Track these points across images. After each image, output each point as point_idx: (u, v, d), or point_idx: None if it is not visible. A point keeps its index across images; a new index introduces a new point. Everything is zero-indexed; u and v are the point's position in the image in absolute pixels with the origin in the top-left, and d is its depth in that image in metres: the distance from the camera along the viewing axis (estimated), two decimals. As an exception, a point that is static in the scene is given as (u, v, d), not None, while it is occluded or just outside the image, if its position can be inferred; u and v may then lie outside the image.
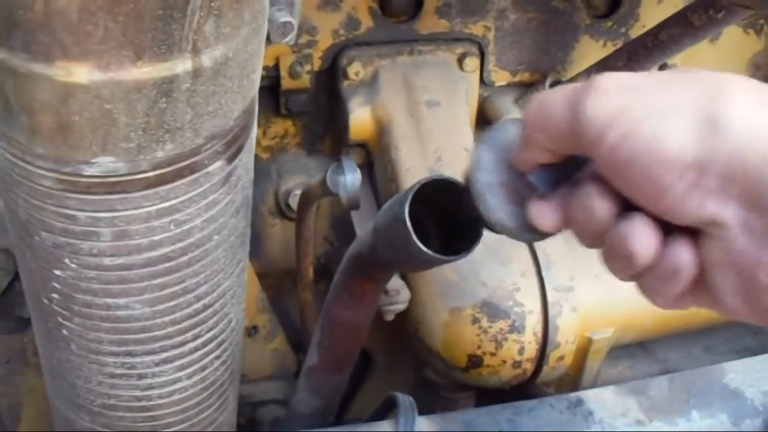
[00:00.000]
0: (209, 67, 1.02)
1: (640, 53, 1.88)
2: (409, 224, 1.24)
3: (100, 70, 0.97)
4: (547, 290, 1.77)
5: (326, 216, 2.24)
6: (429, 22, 2.06)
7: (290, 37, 1.30)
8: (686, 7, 1.77)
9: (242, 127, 1.17)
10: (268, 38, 1.29)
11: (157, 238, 1.17)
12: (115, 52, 0.95)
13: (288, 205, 2.15)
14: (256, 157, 2.22)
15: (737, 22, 1.73)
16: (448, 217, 1.38)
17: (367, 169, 2.14)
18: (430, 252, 1.25)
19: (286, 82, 2.02)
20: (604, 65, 1.98)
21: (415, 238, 1.23)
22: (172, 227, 1.17)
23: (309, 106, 2.12)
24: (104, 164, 1.06)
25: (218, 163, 1.15)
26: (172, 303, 1.27)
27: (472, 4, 2.07)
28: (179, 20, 0.96)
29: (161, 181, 1.10)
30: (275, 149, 2.19)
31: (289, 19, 1.28)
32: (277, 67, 2.00)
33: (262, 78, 2.05)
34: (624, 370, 2.10)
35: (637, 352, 2.13)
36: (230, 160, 1.18)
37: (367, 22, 2.02)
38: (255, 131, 1.27)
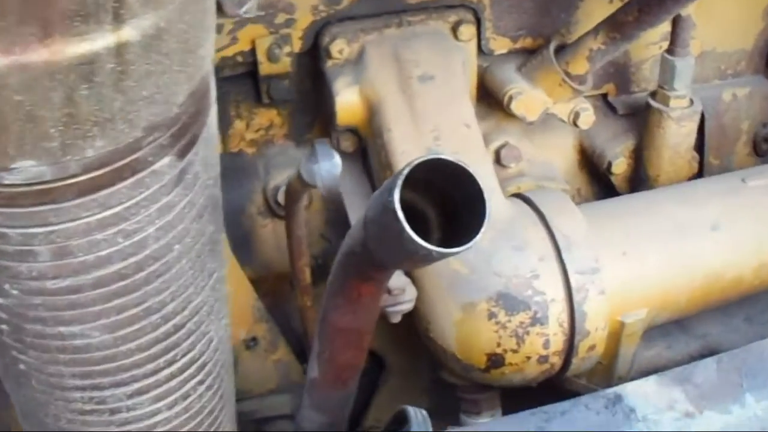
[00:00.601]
0: (137, 42, 0.84)
1: (652, 4, 1.69)
2: (400, 214, 1.05)
3: (1, 54, 0.79)
4: (570, 274, 1.59)
5: (320, 211, 2.06)
6: None
7: (248, 7, 1.12)
8: None
9: (192, 114, 0.99)
10: (220, 10, 1.10)
11: (103, 253, 1.00)
12: (15, 29, 0.77)
13: (278, 203, 1.97)
14: (241, 152, 2.07)
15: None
16: (449, 202, 1.21)
17: (361, 155, 1.96)
18: (427, 245, 1.07)
19: (265, 67, 1.83)
20: (614, 22, 1.79)
21: (408, 229, 1.04)
22: (120, 240, 1.00)
23: (293, 93, 1.94)
24: (25, 169, 0.88)
25: (166, 160, 0.97)
26: (135, 327, 1.11)
27: (464, -35, 1.88)
28: (93, -17, 0.78)
29: (97, 185, 0.93)
30: (261, 142, 2.01)
31: (244, -16, 1.09)
32: (253, 51, 1.82)
33: (239, 65, 1.89)
34: (661, 351, 1.94)
35: (673, 330, 1.96)
36: (182, 154, 0.99)
37: None
38: (214, 118, 1.09)
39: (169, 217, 1.02)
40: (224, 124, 1.94)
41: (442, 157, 1.13)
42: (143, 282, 1.06)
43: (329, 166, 1.33)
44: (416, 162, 1.10)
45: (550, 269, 1.60)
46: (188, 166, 1.01)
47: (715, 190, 1.82)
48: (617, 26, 1.77)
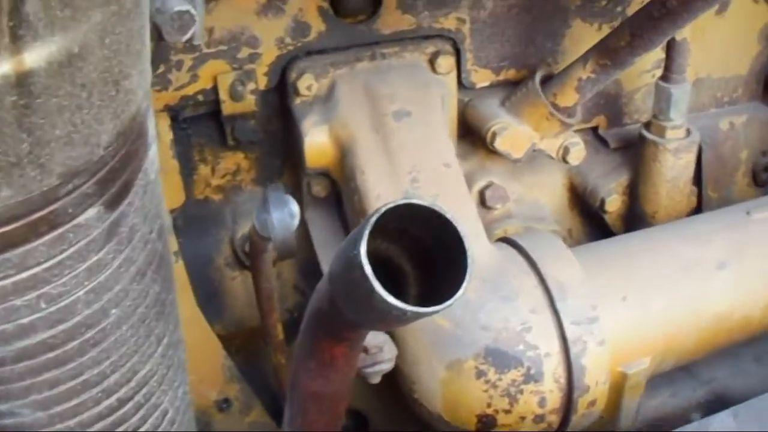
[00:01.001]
0: (44, 70, 0.70)
1: (646, 27, 1.56)
2: (368, 270, 0.91)
3: None
4: (565, 325, 1.44)
5: (293, 261, 1.91)
6: (391, 20, 1.74)
7: (192, 34, 0.98)
8: None
9: (123, 158, 0.84)
10: (161, 36, 0.96)
11: (25, 321, 0.86)
12: None
13: (247, 253, 1.82)
14: (207, 199, 1.92)
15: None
16: (426, 252, 1.07)
17: (334, 201, 1.81)
18: (401, 304, 0.93)
19: (228, 106, 1.69)
20: (604, 48, 1.67)
21: (378, 287, 0.90)
22: (43, 305, 0.87)
23: (259, 134, 1.80)
24: None
25: (92, 211, 0.83)
26: (73, 403, 0.97)
27: (440, -8, 1.75)
28: (-18, 0, 0.64)
29: (9, 242, 0.79)
30: (228, 188, 1.86)
31: (186, 7, 0.96)
32: (215, 89, 1.68)
33: (200, 104, 1.73)
34: (666, 399, 1.83)
35: (678, 376, 1.84)
36: (111, 205, 0.85)
37: (317, 26, 1.70)
38: (154, 162, 0.94)
39: (101, 278, 0.88)
40: (188, 169, 1.80)
41: (414, 201, 0.99)
42: (77, 352, 0.92)
43: (282, 215, 1.18)
44: (385, 208, 0.96)
45: (543, 321, 1.45)
46: (121, 218, 0.87)
47: (719, 226, 1.68)
48: (608, 53, 1.64)
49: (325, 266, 1.70)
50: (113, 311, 0.93)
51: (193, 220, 1.83)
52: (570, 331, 1.43)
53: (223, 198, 1.87)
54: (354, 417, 2.03)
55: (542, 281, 1.47)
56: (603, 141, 2.03)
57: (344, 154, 1.66)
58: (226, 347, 1.83)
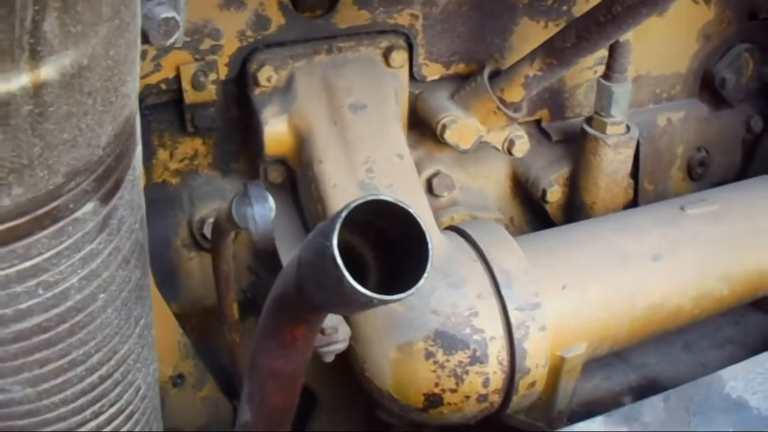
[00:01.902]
0: (57, 81, 0.76)
1: (592, 30, 1.65)
2: (339, 261, 0.99)
3: None
4: (509, 311, 1.54)
5: (247, 243, 1.98)
6: (348, 15, 1.81)
7: (176, 38, 1.04)
8: None
9: (117, 157, 0.91)
10: (146, 40, 1.03)
11: (23, 306, 0.92)
12: None
13: (204, 236, 1.89)
14: (165, 183, 1.97)
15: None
16: (386, 242, 1.15)
17: (290, 188, 1.89)
18: (369, 293, 1.02)
19: (190, 95, 1.75)
20: (551, 48, 1.76)
21: (348, 277, 0.99)
22: (40, 291, 0.93)
23: (218, 121, 1.86)
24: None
25: (89, 206, 0.89)
26: (60, 380, 1.03)
27: (395, -10, 1.82)
28: (6, 17, 0.69)
29: (15, 235, 0.85)
30: (185, 173, 1.92)
31: (171, 14, 1.02)
32: (178, 78, 1.73)
33: (163, 92, 1.79)
34: (600, 382, 1.92)
35: (612, 361, 1.94)
36: (106, 199, 0.91)
37: (277, 20, 1.76)
38: (139, 158, 1.01)
39: (93, 266, 0.94)
40: (147, 153, 1.85)
41: (383, 197, 1.07)
42: (66, 334, 0.98)
43: (263, 210, 1.25)
44: (355, 204, 1.04)
45: (489, 306, 1.55)
46: (113, 211, 0.93)
47: (655, 220, 1.79)
48: (554, 52, 1.73)
49: (282, 249, 1.77)
50: (101, 296, 0.99)
51: (152, 203, 1.86)
52: (514, 317, 1.53)
53: (180, 181, 1.92)
54: (304, 393, 2.10)
55: (489, 269, 1.57)
56: (545, 134, 2.13)
57: (302, 143, 1.73)
58: (181, 325, 1.89)
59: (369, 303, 1.05)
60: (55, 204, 0.84)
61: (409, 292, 1.06)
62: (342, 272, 1.00)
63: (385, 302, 1.05)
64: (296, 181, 1.85)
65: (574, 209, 2.05)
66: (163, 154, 1.88)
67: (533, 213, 2.17)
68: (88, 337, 1.01)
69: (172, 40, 1.03)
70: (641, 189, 2.17)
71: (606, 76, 1.94)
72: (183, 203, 1.92)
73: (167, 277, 1.90)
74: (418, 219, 1.08)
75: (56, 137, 0.79)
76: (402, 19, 1.86)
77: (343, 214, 1.03)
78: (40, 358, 0.98)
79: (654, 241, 1.72)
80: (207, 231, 1.87)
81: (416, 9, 1.86)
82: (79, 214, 0.88)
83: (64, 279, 0.92)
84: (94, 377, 1.07)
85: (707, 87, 2.30)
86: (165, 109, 1.82)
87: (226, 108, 1.86)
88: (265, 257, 1.98)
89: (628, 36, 1.87)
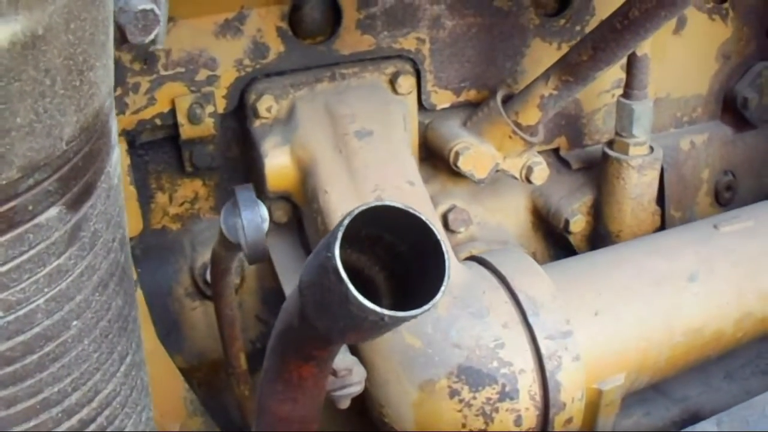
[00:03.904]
0: (5, 50, 0.66)
1: (608, 39, 1.55)
2: (342, 272, 0.88)
3: None
4: (539, 340, 1.41)
5: (255, 291, 1.86)
6: (350, 40, 1.71)
7: (156, 34, 0.94)
8: None
9: (85, 157, 0.80)
10: (124, 38, 0.93)
11: (-23, 331, 0.80)
12: None
13: (207, 282, 1.77)
14: (165, 229, 1.87)
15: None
16: (399, 261, 1.04)
17: (296, 226, 1.77)
18: (377, 308, 0.90)
19: (187, 130, 1.65)
20: (566, 64, 1.66)
21: (353, 290, 0.88)
22: (0, 314, 0.80)
23: (218, 160, 1.76)
24: None
25: (53, 211, 0.78)
26: (32, 424, 0.90)
27: (400, 13, 1.73)
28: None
29: (-41, 241, 0.73)
30: (186, 217, 1.81)
31: (149, 6, 0.92)
32: (173, 112, 1.63)
33: (158, 128, 1.67)
34: (640, 419, 1.79)
35: (650, 395, 1.81)
36: (74, 206, 0.80)
37: (276, 47, 1.67)
38: (116, 167, 0.89)
39: (62, 286, 0.82)
40: (145, 197, 1.74)
41: (391, 203, 0.96)
42: (36, 367, 0.86)
43: (252, 215, 1.13)
44: (358, 210, 0.93)
45: (517, 336, 1.42)
46: (83, 221, 0.82)
47: (688, 239, 1.67)
48: (570, 68, 1.63)
49: (288, 289, 1.65)
50: (74, 323, 0.87)
51: (151, 250, 1.77)
52: (544, 346, 1.40)
53: (181, 227, 1.81)
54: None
55: (513, 296, 1.44)
56: (565, 162, 2.02)
57: (306, 175, 1.62)
58: (187, 381, 1.76)
59: (379, 323, 0.93)
60: (10, 205, 0.73)
61: (424, 308, 0.94)
62: (347, 286, 0.89)
63: (398, 320, 0.93)
64: (302, 220, 1.73)
65: (600, 239, 1.93)
66: (161, 198, 1.77)
67: (556, 246, 2.04)
68: (62, 373, 0.89)
69: (151, 36, 0.93)
70: (668, 217, 2.05)
71: (625, 94, 1.84)
72: (184, 249, 1.81)
73: (170, 329, 1.78)
74: (431, 225, 0.97)
75: (8, 120, 0.68)
76: (408, 43, 1.77)
77: (346, 222, 0.92)
78: (7, 396, 0.86)
79: (688, 261, 1.60)
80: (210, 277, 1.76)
81: (422, 32, 1.77)
82: (41, 219, 0.76)
83: (28, 299, 0.80)
84: (73, 421, 0.94)
85: (729, 108, 2.20)
86: (161, 147, 1.72)
87: (226, 145, 1.76)
88: (274, 304, 1.86)
89: (646, 50, 1.77)
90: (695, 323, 1.56)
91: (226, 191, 1.82)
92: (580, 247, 1.98)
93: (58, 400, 0.91)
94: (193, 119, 1.64)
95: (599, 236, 1.94)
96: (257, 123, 1.67)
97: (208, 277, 1.76)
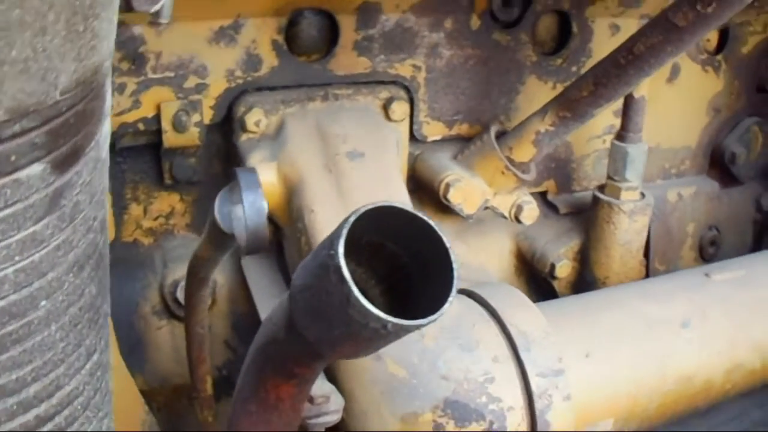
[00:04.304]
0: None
1: (611, 74, 1.51)
2: (346, 272, 0.82)
3: None
4: (529, 377, 1.34)
5: (225, 314, 1.77)
6: (346, 61, 1.66)
7: (161, 5, 0.87)
8: (666, 7, 1.42)
9: (78, 116, 0.73)
10: (128, 5, 0.86)
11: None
12: None
13: (177, 301, 1.68)
14: (136, 242, 1.78)
15: (728, 18, 1.39)
16: (399, 272, 0.97)
17: (274, 249, 1.70)
18: (381, 314, 0.84)
19: (170, 138, 1.57)
20: (564, 100, 1.61)
21: (356, 291, 0.81)
22: None
23: (199, 174, 1.68)
24: None
25: (37, 168, 0.70)
26: None
27: (398, 37, 1.68)
28: None
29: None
30: (159, 232, 1.73)
31: (158, -29, 0.86)
32: (157, 118, 1.56)
33: (140, 134, 1.59)
34: None
35: None
36: (59, 167, 0.73)
37: (270, 61, 1.61)
38: (105, 139, 0.82)
39: (35, 257, 0.74)
40: (119, 207, 1.66)
41: (397, 205, 0.90)
42: (-5, 348, 0.77)
43: (255, 197, 1.05)
44: (365, 209, 0.87)
45: (507, 371, 1.34)
46: (67, 188, 0.74)
47: (680, 286, 1.62)
48: (569, 104, 1.59)
49: (264, 313, 1.57)
50: (43, 303, 0.78)
51: (120, 263, 1.68)
52: (535, 384, 1.33)
53: (154, 242, 1.73)
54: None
55: (504, 330, 1.38)
56: (552, 206, 1.97)
57: (292, 193, 1.55)
58: (147, 402, 1.66)
59: (380, 331, 0.86)
60: (-12, 147, 0.65)
61: (431, 317, 0.88)
62: (349, 287, 0.82)
63: (401, 330, 0.87)
64: (281, 242, 1.66)
65: (585, 286, 1.88)
66: (135, 210, 1.69)
67: (539, 292, 1.98)
68: (23, 358, 0.79)
69: (157, 6, 0.87)
70: (652, 270, 2.00)
71: (620, 136, 1.80)
72: (155, 265, 1.72)
73: (133, 347, 1.69)
74: (439, 232, 0.91)
75: (2, 50, 0.61)
76: (404, 69, 1.72)
77: (352, 219, 0.86)
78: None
79: (681, 307, 1.55)
80: (180, 295, 1.67)
81: (419, 60, 1.72)
82: (22, 174, 0.69)
83: (-6, 264, 0.72)
84: (29, 417, 0.84)
85: (716, 163, 2.19)
86: (141, 155, 1.65)
87: (208, 161, 1.69)
88: (244, 330, 1.78)
89: (643, 92, 1.74)
90: (687, 371, 1.51)
91: (204, 208, 1.74)
92: (563, 294, 1.92)
93: (14, 389, 0.81)
94: (178, 127, 1.56)
95: (585, 282, 1.88)
96: (244, 137, 1.60)
97: (179, 295, 1.68)
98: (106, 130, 0.82)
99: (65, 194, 0.75)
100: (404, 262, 0.98)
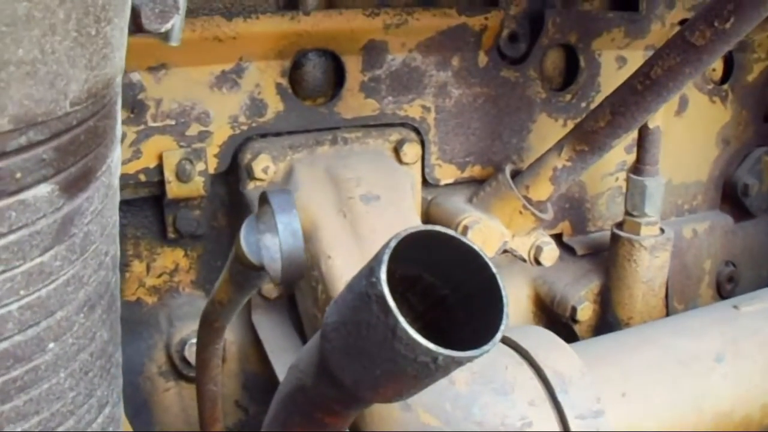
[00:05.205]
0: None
1: (629, 102, 1.46)
2: (389, 298, 0.75)
3: None
4: (569, 420, 1.26)
5: (235, 373, 1.69)
6: (354, 104, 1.61)
7: (172, 24, 0.82)
8: (682, 27, 1.38)
9: (89, 133, 0.66)
10: (138, 26, 0.80)
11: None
12: None
13: (185, 359, 1.60)
14: (139, 301, 1.70)
15: (747, 32, 1.35)
16: (437, 307, 0.91)
17: (286, 302, 1.62)
18: (433, 346, 0.77)
19: (174, 188, 1.50)
20: (581, 133, 1.55)
21: (401, 319, 0.75)
22: None
23: (203, 227, 1.61)
24: None
25: (44, 188, 0.64)
26: None
27: (405, 77, 1.63)
28: None
29: None
30: (163, 290, 1.65)
31: (168, -10, 0.80)
32: (160, 169, 1.49)
33: (141, 186, 1.51)
34: None
35: None
36: (68, 189, 0.66)
37: (275, 106, 1.55)
38: (116, 165, 0.75)
39: (42, 292, 0.67)
40: (120, 265, 1.58)
41: (440, 229, 0.84)
42: (-1, 396, 0.68)
43: (290, 219, 0.97)
44: (406, 233, 0.81)
45: (545, 415, 1.26)
46: (76, 215, 0.67)
47: (710, 320, 1.55)
48: (585, 136, 1.53)
49: (280, 373, 1.50)
50: (51, 345, 0.70)
51: (124, 323, 1.60)
52: (575, 426, 1.25)
53: (158, 300, 1.66)
54: None
55: (538, 372, 1.30)
56: (569, 248, 1.91)
57: (305, 241, 1.48)
58: (156, 470, 1.58)
59: (429, 366, 0.80)
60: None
61: (485, 347, 0.81)
62: (395, 317, 0.76)
63: (453, 363, 0.80)
64: (293, 295, 1.59)
65: (607, 328, 1.80)
66: (138, 267, 1.62)
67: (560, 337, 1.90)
68: (28, 409, 0.71)
69: (168, 25, 0.81)
70: (671, 309, 1.92)
71: (636, 170, 1.75)
72: (160, 324, 1.64)
73: (139, 410, 1.60)
74: (482, 254, 0.85)
75: (8, 49, 0.55)
76: (413, 111, 1.66)
77: (393, 244, 0.80)
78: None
79: (714, 341, 1.48)
80: (188, 354, 1.59)
81: (428, 100, 1.67)
82: (28, 195, 0.62)
83: (-1, 301, 0.64)
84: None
85: (729, 196, 2.14)
86: (142, 209, 1.58)
87: (212, 213, 1.62)
88: (256, 390, 1.69)
89: (658, 122, 1.69)
90: (724, 406, 1.43)
91: (210, 264, 1.67)
92: (585, 338, 1.85)
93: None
94: (182, 176, 1.50)
95: (607, 325, 1.81)
96: (251, 185, 1.53)
97: (186, 353, 1.60)
98: (117, 156, 0.76)
99: (75, 222, 0.68)
100: (443, 295, 0.92)
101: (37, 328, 0.69)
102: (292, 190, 1.51)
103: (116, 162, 0.75)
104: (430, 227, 0.82)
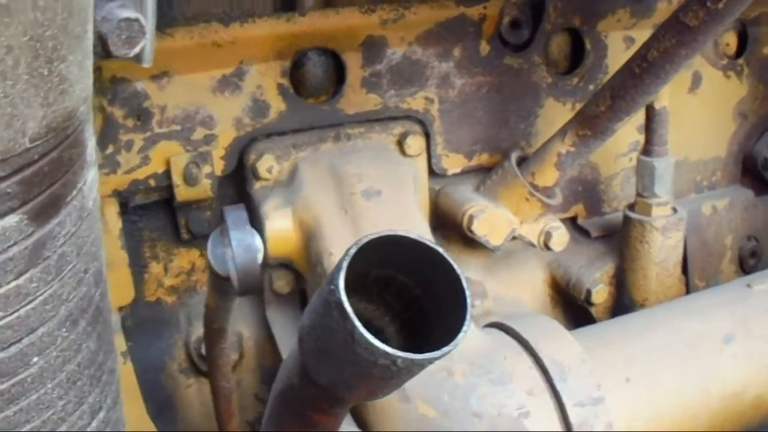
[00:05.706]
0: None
1: (627, 85, 1.46)
2: (346, 304, 0.77)
3: None
4: (567, 408, 1.27)
5: (253, 368, 1.73)
6: (355, 100, 1.63)
7: (141, 47, 0.85)
8: (676, 9, 1.37)
9: (53, 164, 0.69)
10: (107, 52, 0.83)
11: None
12: None
13: (203, 357, 1.64)
14: (159, 301, 1.75)
15: (740, 13, 1.34)
16: (413, 306, 0.93)
17: (298, 298, 1.66)
18: (388, 349, 0.79)
19: (182, 192, 1.54)
20: (583, 118, 1.56)
21: (360, 326, 0.76)
22: None
23: (215, 227, 1.64)
24: None
25: (13, 218, 0.67)
26: None
27: (407, 70, 1.65)
28: None
29: None
30: (182, 290, 1.70)
31: (134, 15, 0.83)
32: (168, 173, 1.53)
33: (152, 190, 1.55)
34: None
35: None
36: (37, 218, 0.70)
37: (277, 106, 1.58)
38: (92, 188, 0.79)
39: (21, 312, 0.71)
40: (138, 267, 1.64)
41: (400, 232, 0.86)
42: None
43: (242, 235, 1.01)
44: (366, 239, 0.83)
45: (543, 404, 1.28)
46: (48, 239, 0.71)
47: (721, 300, 1.55)
48: (588, 121, 1.54)
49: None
50: (35, 359, 0.75)
51: (144, 323, 1.66)
52: (574, 414, 1.27)
53: (177, 300, 1.70)
54: None
55: (537, 361, 1.31)
56: (583, 231, 1.91)
57: (309, 238, 1.51)
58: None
59: (391, 368, 0.82)
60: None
61: (444, 349, 0.83)
62: (352, 322, 0.78)
63: (413, 365, 0.82)
64: (304, 290, 1.62)
65: (623, 310, 1.80)
66: (156, 268, 1.66)
67: (576, 321, 1.92)
68: (19, 418, 0.76)
69: (137, 50, 0.84)
70: (692, 286, 1.92)
71: (646, 151, 1.74)
72: (180, 323, 1.69)
73: (163, 407, 1.65)
74: (446, 257, 0.87)
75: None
76: (416, 103, 1.68)
77: (352, 251, 0.82)
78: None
79: (723, 321, 1.48)
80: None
81: (431, 92, 1.68)
82: None
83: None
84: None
85: (749, 170, 2.12)
86: (155, 212, 1.62)
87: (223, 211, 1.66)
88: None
89: (664, 102, 1.68)
90: (734, 387, 1.43)
91: (225, 262, 1.71)
92: (602, 320, 1.85)
93: (9, 455, 0.78)
94: (189, 180, 1.54)
95: (623, 306, 1.81)
96: (257, 185, 1.57)
97: (204, 352, 1.64)
98: (91, 178, 0.79)
99: (48, 246, 0.71)
100: (416, 295, 0.94)
101: (20, 345, 0.73)
102: (294, 189, 1.55)
103: (90, 183, 0.78)
104: (391, 232, 0.84)
